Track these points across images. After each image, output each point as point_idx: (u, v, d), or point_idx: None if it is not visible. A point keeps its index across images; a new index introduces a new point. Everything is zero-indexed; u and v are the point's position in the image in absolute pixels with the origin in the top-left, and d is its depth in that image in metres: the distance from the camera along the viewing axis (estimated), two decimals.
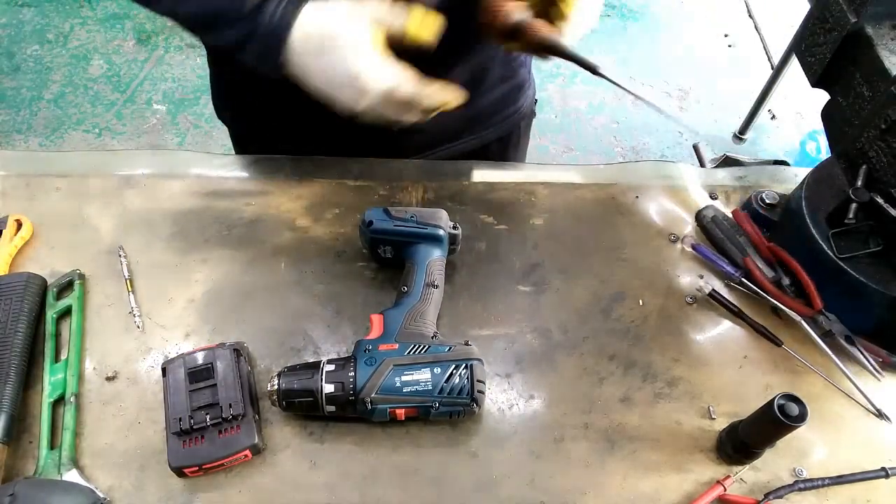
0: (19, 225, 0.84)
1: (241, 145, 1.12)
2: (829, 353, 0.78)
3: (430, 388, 0.68)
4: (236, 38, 0.67)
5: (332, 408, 0.69)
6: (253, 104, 1.01)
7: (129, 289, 0.81)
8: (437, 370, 0.68)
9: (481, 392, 0.69)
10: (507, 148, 1.10)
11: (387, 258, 0.81)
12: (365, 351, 0.70)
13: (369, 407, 0.68)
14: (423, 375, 0.68)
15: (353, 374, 0.68)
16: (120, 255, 0.84)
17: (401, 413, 0.69)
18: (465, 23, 0.74)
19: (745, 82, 2.64)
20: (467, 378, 0.69)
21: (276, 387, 0.69)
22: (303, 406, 0.69)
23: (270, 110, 1.00)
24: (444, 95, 0.69)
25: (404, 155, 0.98)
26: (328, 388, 0.68)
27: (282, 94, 0.96)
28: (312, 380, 0.69)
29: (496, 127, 1.04)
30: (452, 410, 0.69)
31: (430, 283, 0.76)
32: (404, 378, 0.68)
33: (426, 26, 0.66)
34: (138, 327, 0.79)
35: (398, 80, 0.66)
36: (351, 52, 0.64)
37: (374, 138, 0.98)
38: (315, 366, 0.70)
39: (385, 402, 0.68)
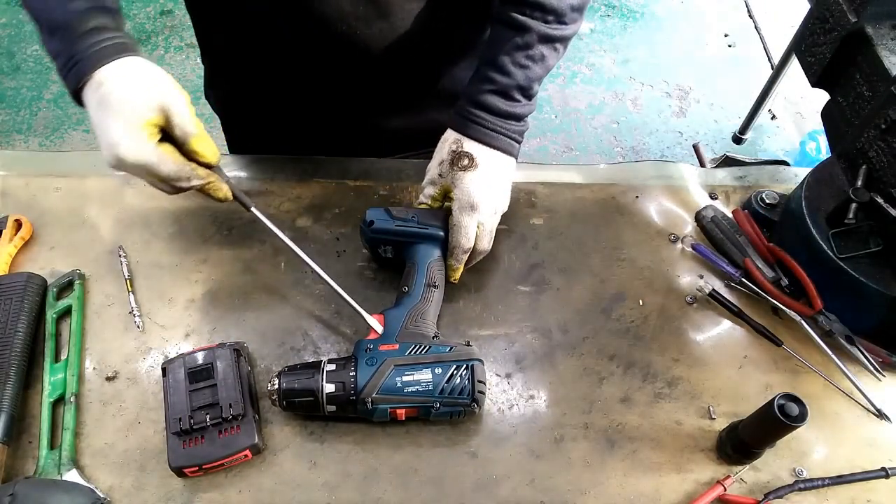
0: (19, 225, 0.84)
1: (234, 144, 1.12)
2: (829, 353, 0.78)
3: (430, 388, 0.68)
4: (56, 49, 0.67)
5: (332, 408, 0.69)
6: (246, 104, 1.01)
7: (129, 289, 0.81)
8: (438, 370, 0.68)
9: (482, 392, 0.69)
10: None
11: (387, 258, 0.81)
12: (366, 351, 0.70)
13: (370, 407, 0.68)
14: (424, 376, 0.68)
15: (353, 373, 0.68)
16: (120, 255, 0.84)
17: (401, 413, 0.69)
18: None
19: (745, 82, 2.64)
20: (468, 378, 0.69)
21: (276, 387, 0.69)
22: (303, 406, 0.69)
23: (264, 110, 1.00)
24: (205, 180, 0.71)
25: (403, 155, 0.98)
26: (329, 388, 0.68)
27: (275, 97, 0.97)
28: (313, 379, 0.69)
29: None
30: (453, 411, 0.69)
31: (431, 284, 0.76)
32: (405, 378, 0.68)
33: (209, 148, 0.71)
34: (138, 327, 0.79)
35: (156, 159, 0.66)
36: (117, 123, 0.64)
37: (373, 138, 0.98)
38: (315, 366, 0.70)
39: (386, 402, 0.68)
